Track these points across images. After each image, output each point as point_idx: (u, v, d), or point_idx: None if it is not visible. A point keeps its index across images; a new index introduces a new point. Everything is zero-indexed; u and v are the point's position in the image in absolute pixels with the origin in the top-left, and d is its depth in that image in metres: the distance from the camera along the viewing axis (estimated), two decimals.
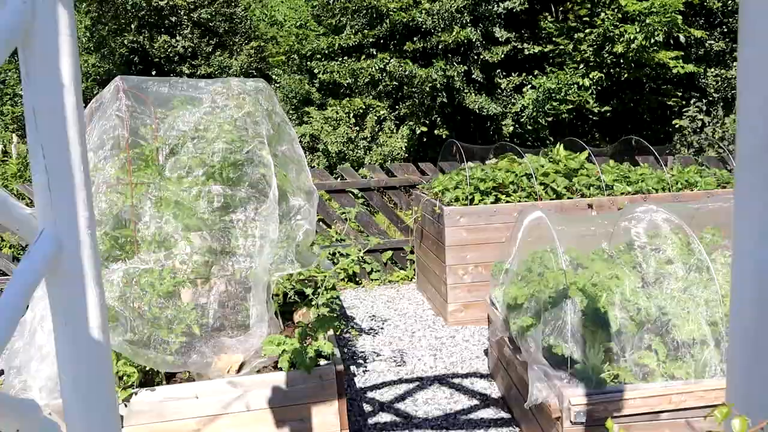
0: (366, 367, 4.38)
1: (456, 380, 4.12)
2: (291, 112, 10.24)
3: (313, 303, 3.63)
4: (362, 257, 6.16)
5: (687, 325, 2.77)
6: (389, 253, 6.52)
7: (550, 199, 5.12)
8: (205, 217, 3.34)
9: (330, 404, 3.14)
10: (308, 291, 3.66)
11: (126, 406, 3.03)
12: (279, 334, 3.76)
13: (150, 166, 3.31)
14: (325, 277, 3.69)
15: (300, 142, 10.11)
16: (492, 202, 5.06)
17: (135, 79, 3.36)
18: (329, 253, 3.94)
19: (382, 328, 5.11)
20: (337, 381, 3.13)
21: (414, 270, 6.39)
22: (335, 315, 3.74)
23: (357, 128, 9.86)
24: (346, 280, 6.36)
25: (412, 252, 6.58)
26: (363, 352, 4.63)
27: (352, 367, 4.38)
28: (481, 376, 4.15)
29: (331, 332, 3.43)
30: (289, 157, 3.84)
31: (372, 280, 6.34)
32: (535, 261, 3.73)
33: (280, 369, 3.15)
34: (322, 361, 3.21)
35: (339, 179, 6.61)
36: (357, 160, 9.74)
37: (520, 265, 3.76)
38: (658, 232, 3.25)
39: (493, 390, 3.94)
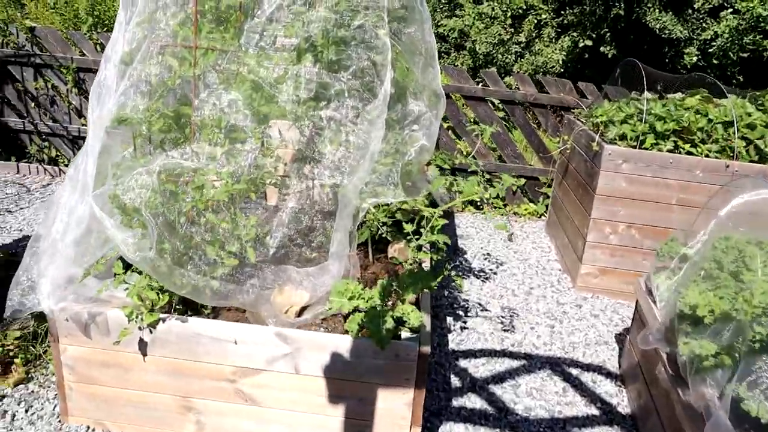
0: (465, 322, 3.38)
1: (574, 371, 3.03)
2: (444, 1, 8.83)
3: (412, 245, 2.61)
4: (488, 181, 5.01)
5: None
6: (521, 180, 5.30)
7: (751, 161, 3.65)
8: (288, 108, 2.34)
9: (403, 392, 2.19)
10: (408, 227, 2.63)
11: (151, 332, 2.24)
12: (361, 273, 2.81)
13: (228, 30, 2.31)
14: (434, 214, 2.63)
15: (447, 36, 8.81)
16: (669, 150, 3.67)
17: None
18: (447, 181, 2.85)
19: (494, 273, 4.04)
20: (418, 365, 2.16)
21: (546, 207, 5.16)
22: (437, 267, 2.72)
23: (512, 30, 8.33)
24: (465, 202, 5.26)
25: (547, 185, 5.32)
26: (466, 300, 3.62)
27: (449, 319, 3.40)
28: (608, 374, 3.03)
29: (427, 294, 2.41)
30: (416, 45, 2.68)
31: (494, 207, 5.20)
32: (729, 253, 2.46)
33: (347, 331, 2.22)
34: (405, 333, 2.23)
35: (480, 85, 5.35)
36: (505, 66, 8.30)
37: (705, 253, 2.50)
38: None
39: (622, 401, 2.83)
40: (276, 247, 2.36)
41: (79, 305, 2.26)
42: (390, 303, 2.37)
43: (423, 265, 2.79)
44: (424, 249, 2.69)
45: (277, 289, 2.44)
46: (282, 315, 2.40)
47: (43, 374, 2.81)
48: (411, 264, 2.70)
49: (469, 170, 3.25)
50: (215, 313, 2.42)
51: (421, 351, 2.14)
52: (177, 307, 2.37)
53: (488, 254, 4.34)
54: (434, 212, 2.63)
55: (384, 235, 2.73)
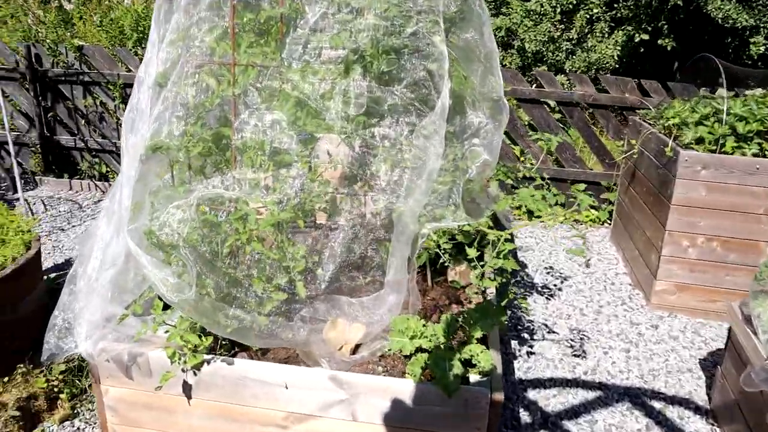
0: (531, 346, 3.08)
1: (656, 404, 2.69)
2: (489, 0, 8.47)
3: (476, 272, 2.32)
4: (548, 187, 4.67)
5: None
6: (581, 186, 4.91)
7: None
8: (337, 126, 2.09)
9: None
10: (471, 252, 2.34)
11: (195, 374, 2.03)
12: (422, 300, 2.54)
13: (269, 43, 2.08)
14: (500, 237, 2.34)
15: (494, 36, 8.45)
16: (754, 154, 3.27)
17: None
18: (515, 201, 2.57)
19: (559, 290, 3.71)
20: (489, 414, 1.88)
21: (609, 213, 4.78)
22: (501, 291, 2.42)
23: (562, 27, 7.91)
24: (523, 210, 4.93)
25: (609, 189, 4.94)
26: (531, 321, 3.31)
27: (513, 343, 3.10)
28: (697, 409, 2.67)
29: (496, 332, 2.13)
30: (474, 51, 2.40)
31: (552, 215, 4.83)
32: None
33: (406, 372, 1.96)
34: (474, 376, 1.95)
35: (534, 86, 5.01)
36: (555, 64, 7.89)
37: None
38: None
39: None
40: (328, 280, 2.12)
41: (120, 345, 2.07)
42: (454, 340, 2.10)
43: (487, 291, 2.51)
44: (487, 276, 2.41)
45: (329, 323, 2.20)
46: (336, 353, 2.16)
47: (89, 409, 2.66)
48: (475, 292, 2.43)
49: (534, 184, 2.95)
50: (264, 349, 2.20)
51: (493, 399, 1.85)
52: (223, 343, 2.16)
53: (551, 267, 4.01)
54: (501, 235, 2.34)
55: (444, 262, 2.46)
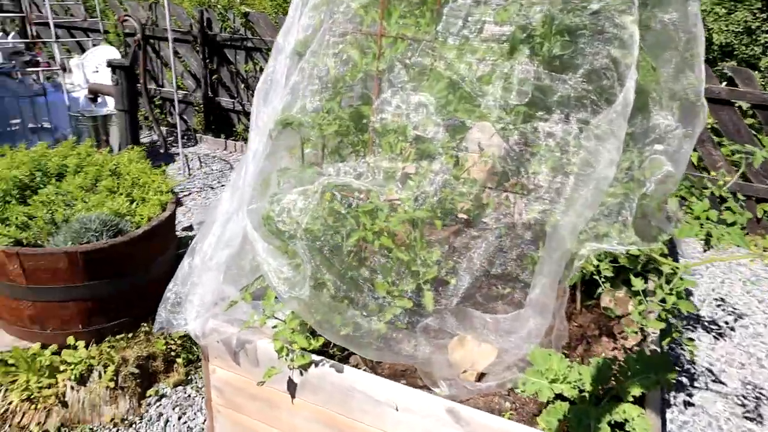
0: (690, 396, 2.54)
1: None
2: None
3: (639, 309, 1.87)
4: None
5: None
6: None
7: None
8: (493, 115, 1.74)
9: None
10: (637, 284, 1.89)
11: (302, 374, 1.83)
12: (568, 329, 2.14)
13: (423, 14, 1.76)
14: (677, 269, 1.87)
15: None
16: None
17: None
18: (703, 231, 2.08)
19: (731, 329, 3.08)
20: None
21: None
22: (666, 331, 1.94)
23: (763, 16, 6.76)
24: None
25: None
26: (692, 363, 2.76)
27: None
28: None
29: (657, 395, 1.69)
30: (671, 36, 1.91)
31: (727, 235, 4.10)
32: None
33: (538, 414, 1.60)
34: None
35: (725, 84, 4.24)
36: (748, 60, 6.79)
37: None
38: None
39: None
40: (461, 295, 1.80)
41: (230, 328, 1.92)
42: (604, 394, 1.69)
43: (649, 331, 2.05)
44: (652, 313, 1.94)
45: (456, 341, 1.89)
46: (459, 376, 1.85)
47: (201, 377, 2.59)
48: (634, 331, 1.98)
49: (725, 205, 2.39)
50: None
51: None
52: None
53: (722, 300, 3.36)
54: (677, 267, 1.86)
55: (602, 291, 2.02)
